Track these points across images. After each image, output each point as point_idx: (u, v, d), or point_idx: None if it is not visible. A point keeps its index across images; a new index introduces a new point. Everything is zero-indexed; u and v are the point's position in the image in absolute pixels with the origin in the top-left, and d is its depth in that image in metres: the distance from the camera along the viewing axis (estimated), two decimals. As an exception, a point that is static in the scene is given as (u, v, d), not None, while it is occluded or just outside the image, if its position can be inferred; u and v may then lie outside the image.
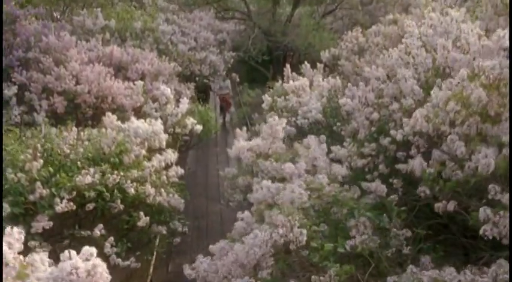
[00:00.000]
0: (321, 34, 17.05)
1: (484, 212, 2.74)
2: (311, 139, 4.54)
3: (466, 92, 2.96)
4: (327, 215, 3.35)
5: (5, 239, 2.03)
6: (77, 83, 7.81)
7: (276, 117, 4.57)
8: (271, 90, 11.97)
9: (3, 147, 5.00)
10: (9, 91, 7.22)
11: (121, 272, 5.58)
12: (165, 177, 6.38)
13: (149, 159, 6.40)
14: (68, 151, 5.20)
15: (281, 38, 17.99)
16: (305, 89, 6.80)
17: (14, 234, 2.01)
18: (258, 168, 4.28)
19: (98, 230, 5.24)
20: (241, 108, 12.07)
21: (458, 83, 3.06)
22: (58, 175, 4.76)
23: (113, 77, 8.74)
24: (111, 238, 5.40)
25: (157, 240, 6.73)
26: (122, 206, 5.43)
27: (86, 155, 5.24)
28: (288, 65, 11.60)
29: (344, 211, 3.26)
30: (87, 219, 5.54)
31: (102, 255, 5.61)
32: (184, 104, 9.04)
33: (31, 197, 4.57)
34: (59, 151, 5.03)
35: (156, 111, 8.73)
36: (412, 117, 3.39)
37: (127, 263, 5.47)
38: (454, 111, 2.98)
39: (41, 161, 4.63)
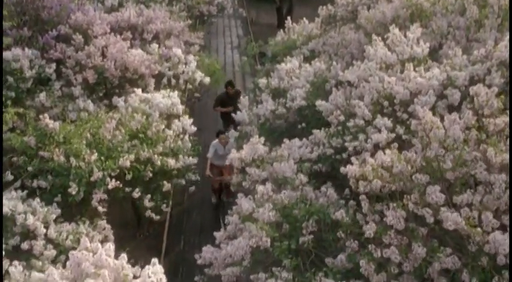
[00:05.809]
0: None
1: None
2: (284, 146, 6.02)
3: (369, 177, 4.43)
4: (288, 217, 5.07)
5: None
6: (103, 55, 9.15)
7: (257, 136, 5.94)
8: (273, 40, 13.05)
9: (64, 136, 6.71)
10: (50, 69, 8.64)
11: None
12: (180, 142, 8.12)
13: (168, 125, 8.11)
14: (110, 137, 6.93)
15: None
16: (295, 71, 8.14)
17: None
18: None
19: (136, 193, 7.22)
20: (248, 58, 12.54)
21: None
22: (107, 162, 6.57)
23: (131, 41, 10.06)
24: (149, 195, 7.39)
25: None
26: (150, 175, 7.32)
27: (123, 141, 6.97)
28: (289, 18, 12.58)
29: (301, 213, 4.99)
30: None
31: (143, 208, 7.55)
32: (193, 62, 10.49)
33: (91, 179, 6.44)
34: (104, 140, 6.79)
35: (169, 70, 10.16)
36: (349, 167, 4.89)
37: (158, 217, 7.56)
38: (363, 186, 4.47)
39: (96, 154, 6.42)
